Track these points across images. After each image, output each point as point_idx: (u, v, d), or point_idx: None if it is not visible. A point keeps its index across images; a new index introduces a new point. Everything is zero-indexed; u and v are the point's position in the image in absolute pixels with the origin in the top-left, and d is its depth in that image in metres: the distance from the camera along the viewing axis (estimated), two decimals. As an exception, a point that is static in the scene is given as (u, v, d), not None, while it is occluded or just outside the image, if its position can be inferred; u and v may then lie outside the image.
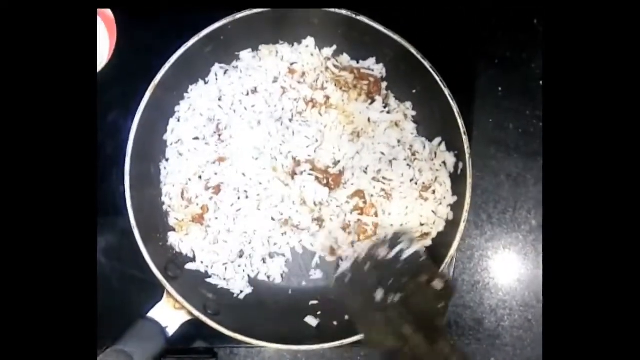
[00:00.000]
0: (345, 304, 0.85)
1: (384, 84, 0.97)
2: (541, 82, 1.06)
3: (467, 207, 0.87)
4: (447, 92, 0.87)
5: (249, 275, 0.94)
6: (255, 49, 0.95)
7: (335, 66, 0.95)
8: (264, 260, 0.93)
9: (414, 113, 0.97)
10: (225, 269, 0.92)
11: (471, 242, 1.03)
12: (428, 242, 0.93)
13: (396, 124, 0.95)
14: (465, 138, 0.87)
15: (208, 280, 0.92)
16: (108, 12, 0.95)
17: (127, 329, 0.81)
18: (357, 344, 0.85)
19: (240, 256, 0.93)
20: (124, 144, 0.87)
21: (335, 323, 0.90)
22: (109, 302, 0.93)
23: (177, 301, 0.83)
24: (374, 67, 0.96)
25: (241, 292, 0.92)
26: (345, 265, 0.86)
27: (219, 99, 0.94)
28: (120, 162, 0.90)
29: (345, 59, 0.97)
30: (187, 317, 0.84)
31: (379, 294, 0.80)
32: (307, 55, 0.94)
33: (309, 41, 0.95)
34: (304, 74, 0.94)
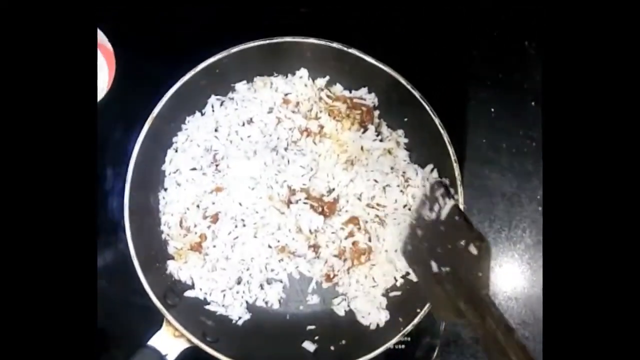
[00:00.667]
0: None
1: (376, 113, 1.00)
2: (533, 103, 1.08)
3: None
4: (437, 121, 0.90)
5: (247, 302, 0.95)
6: (250, 80, 0.98)
7: (328, 96, 0.98)
8: (261, 287, 0.95)
9: (406, 140, 0.99)
10: (224, 295, 0.93)
11: None
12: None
13: (389, 152, 0.98)
14: (456, 166, 0.89)
15: (207, 307, 0.93)
16: (107, 44, 0.98)
17: (128, 358, 0.83)
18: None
19: (238, 283, 0.95)
20: (123, 173, 0.90)
21: (332, 348, 0.93)
22: (110, 328, 0.97)
23: (176, 329, 0.85)
24: (366, 97, 0.98)
25: (239, 318, 0.93)
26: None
27: (216, 130, 0.96)
28: (119, 190, 0.93)
29: (338, 89, 1.00)
30: (187, 345, 0.86)
31: (434, 266, 0.79)
32: (301, 85, 0.97)
33: (303, 72, 0.98)
34: (298, 104, 0.97)
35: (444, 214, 0.83)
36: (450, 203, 0.83)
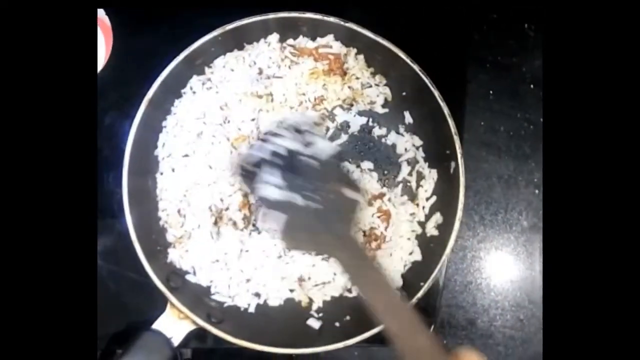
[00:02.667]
0: None
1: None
2: (532, 86, 1.13)
3: (460, 206, 0.93)
4: (436, 94, 0.92)
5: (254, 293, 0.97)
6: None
7: (292, 53, 1.00)
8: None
9: (411, 120, 1.03)
10: (229, 286, 0.96)
11: (463, 243, 1.09)
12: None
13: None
14: (456, 138, 0.92)
15: (212, 296, 0.95)
16: (104, 18, 0.99)
17: (133, 341, 0.85)
18: (361, 344, 0.91)
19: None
20: (120, 150, 0.92)
21: (337, 324, 0.96)
22: (113, 312, 0.99)
23: (180, 311, 0.87)
24: (333, 44, 1.01)
25: (249, 305, 0.96)
26: None
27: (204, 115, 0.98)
28: (117, 167, 0.95)
29: (302, 41, 1.02)
30: (192, 327, 0.88)
31: (298, 199, 0.83)
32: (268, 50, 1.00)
33: (273, 37, 1.00)
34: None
35: (323, 156, 0.86)
36: (332, 145, 0.88)
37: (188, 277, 0.95)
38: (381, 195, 0.99)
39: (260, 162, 0.84)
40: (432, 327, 1.05)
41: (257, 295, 0.97)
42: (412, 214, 1.00)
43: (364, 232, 0.98)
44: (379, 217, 0.98)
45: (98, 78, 0.99)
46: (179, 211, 0.96)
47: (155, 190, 0.97)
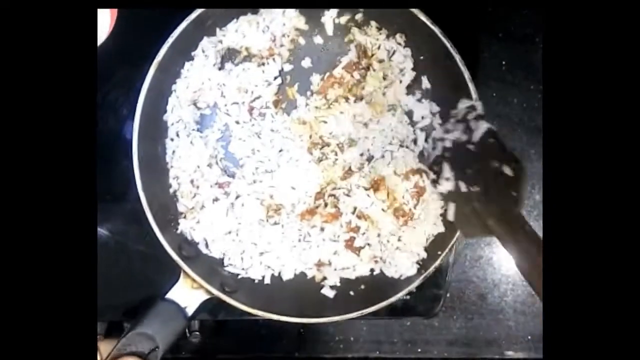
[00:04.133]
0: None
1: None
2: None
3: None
4: (457, 58, 0.92)
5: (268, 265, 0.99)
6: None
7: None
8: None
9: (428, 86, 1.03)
10: (242, 259, 0.97)
11: None
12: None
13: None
14: (478, 104, 0.92)
15: (225, 268, 0.97)
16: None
17: (147, 311, 0.86)
18: (370, 317, 0.94)
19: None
20: (128, 119, 0.95)
21: (351, 293, 0.97)
22: (126, 283, 1.02)
23: (194, 281, 0.88)
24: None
25: (263, 277, 0.97)
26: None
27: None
28: (123, 139, 0.97)
29: None
30: (206, 296, 0.89)
31: (462, 186, 0.86)
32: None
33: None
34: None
35: (477, 135, 0.88)
36: (484, 126, 0.88)
37: (200, 247, 0.96)
38: (420, 171, 0.98)
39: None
40: (442, 301, 1.07)
41: (270, 268, 0.99)
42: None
43: (395, 208, 0.98)
44: (412, 193, 0.98)
45: (104, 45, 1.00)
46: (192, 181, 0.97)
47: (165, 157, 0.98)
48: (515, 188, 0.80)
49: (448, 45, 0.92)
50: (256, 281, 0.97)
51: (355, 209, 0.97)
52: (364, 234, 0.98)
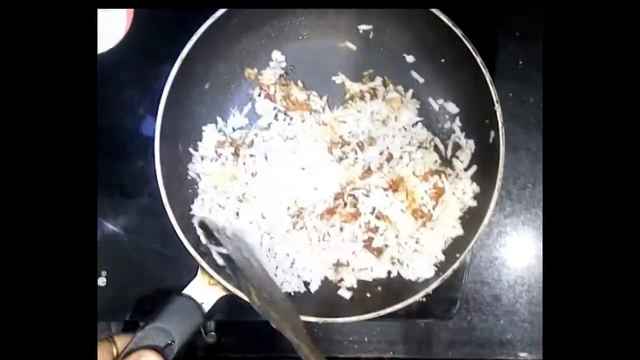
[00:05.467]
0: None
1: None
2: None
3: (500, 176, 0.92)
4: (479, 60, 0.92)
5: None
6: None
7: None
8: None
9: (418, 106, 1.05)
10: (276, 275, 0.99)
11: (490, 218, 1.13)
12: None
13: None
14: (498, 107, 0.92)
15: None
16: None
17: (164, 306, 0.88)
18: (385, 319, 0.94)
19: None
20: (144, 118, 0.98)
21: (368, 295, 0.99)
22: (143, 280, 1.04)
23: (211, 277, 0.90)
24: None
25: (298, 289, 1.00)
26: None
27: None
28: (139, 137, 0.99)
29: None
30: (223, 293, 0.91)
31: None
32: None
33: None
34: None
35: None
36: None
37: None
38: (439, 172, 1.00)
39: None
40: (459, 304, 1.09)
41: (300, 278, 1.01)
42: (463, 192, 1.01)
43: (414, 209, 1.00)
44: (431, 194, 1.00)
45: (120, 45, 1.03)
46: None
47: (187, 155, 1.01)
48: None
49: (469, 47, 0.92)
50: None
51: (374, 209, 0.99)
52: (382, 234, 0.99)
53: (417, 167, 1.00)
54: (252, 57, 1.04)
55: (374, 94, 1.04)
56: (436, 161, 1.02)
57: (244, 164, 0.99)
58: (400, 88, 1.05)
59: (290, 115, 1.03)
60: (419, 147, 1.03)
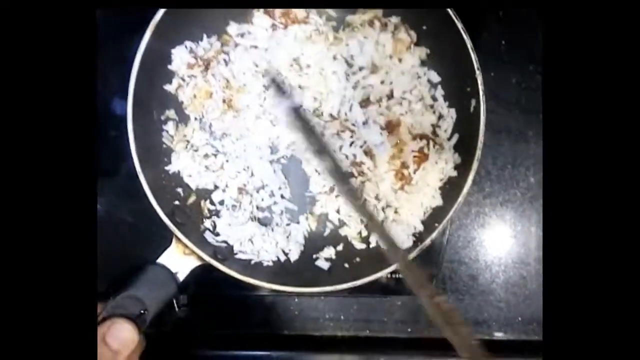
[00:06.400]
0: None
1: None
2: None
3: (480, 145, 0.93)
4: (460, 26, 0.92)
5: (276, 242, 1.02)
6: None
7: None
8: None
9: (427, 51, 1.04)
10: (252, 242, 1.00)
11: (468, 198, 1.11)
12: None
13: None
14: (479, 73, 0.93)
15: (236, 256, 0.99)
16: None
17: (137, 275, 0.87)
18: (362, 295, 0.96)
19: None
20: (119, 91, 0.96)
21: (346, 265, 1.00)
22: (117, 249, 1.04)
23: (186, 247, 0.90)
24: None
25: (277, 258, 1.01)
26: None
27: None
28: (117, 108, 1.00)
29: None
30: (197, 263, 0.91)
31: None
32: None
33: None
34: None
35: None
36: None
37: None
38: (428, 138, 1.01)
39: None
40: (435, 281, 1.10)
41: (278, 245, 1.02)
42: (445, 162, 1.02)
43: (395, 169, 1.01)
44: (414, 157, 1.00)
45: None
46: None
47: (161, 124, 1.01)
48: None
49: (451, 13, 0.93)
50: (265, 264, 1.01)
51: (365, 142, 1.00)
52: (362, 178, 1.00)
53: (415, 119, 1.01)
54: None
55: (384, 26, 1.03)
56: (431, 124, 1.03)
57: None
58: (412, 33, 1.04)
59: (290, 30, 1.02)
60: (420, 99, 1.03)
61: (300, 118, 0.84)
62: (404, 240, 0.98)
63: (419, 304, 1.11)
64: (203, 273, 0.94)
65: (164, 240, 0.93)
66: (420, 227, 1.00)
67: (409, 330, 1.15)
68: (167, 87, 1.01)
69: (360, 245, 1.02)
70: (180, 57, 1.00)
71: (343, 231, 1.05)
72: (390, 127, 1.00)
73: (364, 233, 1.04)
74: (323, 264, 1.00)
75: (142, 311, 0.84)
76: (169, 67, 1.00)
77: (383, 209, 1.01)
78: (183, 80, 1.01)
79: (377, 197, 1.01)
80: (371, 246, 1.02)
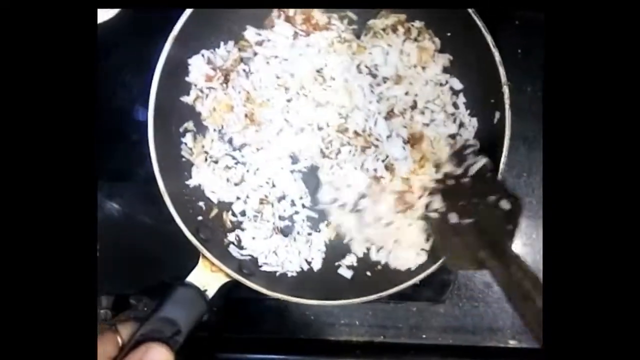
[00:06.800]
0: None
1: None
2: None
3: (504, 160, 0.93)
4: (489, 39, 0.92)
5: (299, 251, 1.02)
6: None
7: None
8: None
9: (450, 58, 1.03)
10: (276, 254, 1.00)
11: None
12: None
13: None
14: (506, 88, 0.92)
15: (261, 268, 0.99)
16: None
17: (168, 295, 0.87)
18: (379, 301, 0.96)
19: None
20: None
21: (369, 274, 1.00)
22: (146, 269, 1.05)
23: (213, 264, 0.90)
24: None
25: (301, 269, 1.01)
26: None
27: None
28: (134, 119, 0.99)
29: None
30: (225, 279, 0.91)
31: (453, 218, 0.89)
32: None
33: None
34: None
35: (474, 170, 0.92)
36: (482, 160, 0.91)
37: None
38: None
39: None
40: (452, 287, 1.12)
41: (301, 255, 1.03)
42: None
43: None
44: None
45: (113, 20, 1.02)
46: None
47: (180, 137, 1.00)
48: (511, 222, 0.85)
49: (479, 23, 0.92)
50: (290, 275, 1.01)
51: (387, 157, 0.99)
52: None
53: (437, 131, 1.00)
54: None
55: (407, 31, 1.02)
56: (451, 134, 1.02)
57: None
58: (437, 40, 1.03)
59: (312, 38, 1.01)
60: (443, 108, 1.02)
61: None
62: (413, 257, 0.99)
63: (433, 310, 1.15)
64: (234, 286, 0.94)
65: (191, 253, 0.93)
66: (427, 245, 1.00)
67: (424, 336, 1.17)
68: (185, 98, 0.99)
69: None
70: (197, 67, 0.98)
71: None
72: (413, 141, 0.99)
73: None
74: (346, 272, 1.01)
75: (175, 332, 0.84)
76: (187, 78, 0.99)
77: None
78: (201, 92, 1.00)
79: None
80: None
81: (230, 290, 1.03)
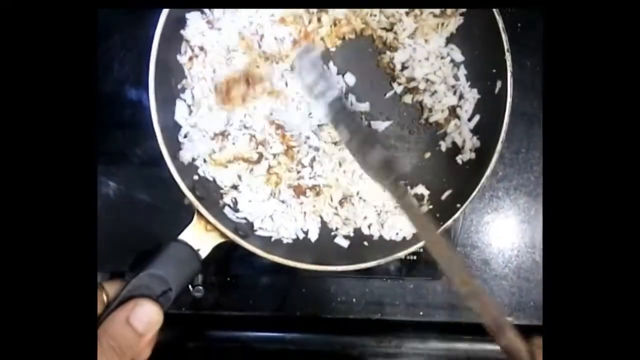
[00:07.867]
0: None
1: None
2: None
3: (504, 128, 0.94)
4: (500, 24, 0.93)
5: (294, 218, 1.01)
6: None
7: None
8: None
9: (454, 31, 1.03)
10: (272, 219, 0.99)
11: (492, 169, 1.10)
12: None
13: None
14: (508, 55, 0.93)
15: (256, 233, 0.98)
16: None
17: (159, 252, 0.84)
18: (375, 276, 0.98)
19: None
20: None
21: (365, 244, 1.00)
22: (134, 232, 1.05)
23: (208, 223, 0.88)
24: None
25: (297, 236, 1.01)
26: None
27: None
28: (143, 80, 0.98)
29: None
30: (220, 240, 0.89)
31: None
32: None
33: None
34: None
35: None
36: None
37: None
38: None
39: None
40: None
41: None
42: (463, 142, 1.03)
43: None
44: None
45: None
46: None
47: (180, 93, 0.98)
48: None
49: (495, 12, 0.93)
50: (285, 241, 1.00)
51: None
52: None
53: (435, 99, 1.02)
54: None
55: None
56: (449, 107, 1.03)
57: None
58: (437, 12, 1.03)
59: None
60: (443, 80, 1.03)
61: (344, 109, 0.84)
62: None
63: (429, 287, 1.15)
64: (219, 253, 0.93)
65: (182, 220, 0.90)
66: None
67: (421, 313, 1.17)
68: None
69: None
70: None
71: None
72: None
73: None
74: (342, 242, 1.00)
75: (165, 290, 0.82)
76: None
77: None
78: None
79: None
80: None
81: (225, 262, 1.04)
